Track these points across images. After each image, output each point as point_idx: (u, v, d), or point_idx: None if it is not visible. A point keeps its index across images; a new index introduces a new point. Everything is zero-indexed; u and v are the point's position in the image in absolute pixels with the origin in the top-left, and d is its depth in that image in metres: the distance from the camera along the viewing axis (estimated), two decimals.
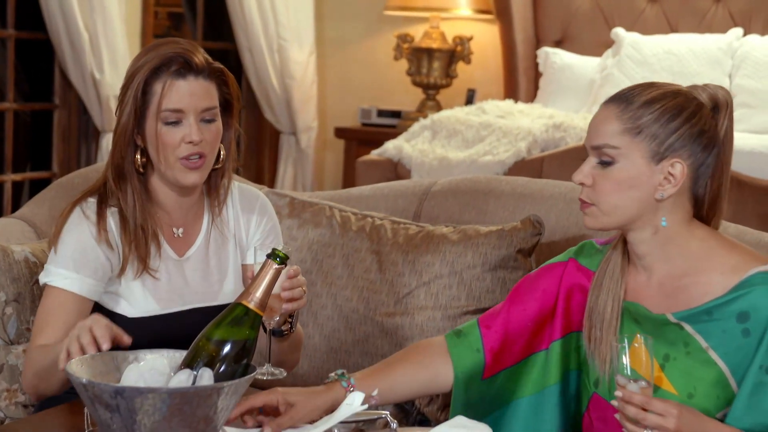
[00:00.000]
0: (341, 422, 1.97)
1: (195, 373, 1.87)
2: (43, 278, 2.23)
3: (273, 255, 1.93)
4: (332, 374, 2.06)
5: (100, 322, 1.96)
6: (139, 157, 2.25)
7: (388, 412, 2.02)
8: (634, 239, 2.04)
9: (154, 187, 2.29)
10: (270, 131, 6.18)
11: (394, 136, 5.15)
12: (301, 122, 5.97)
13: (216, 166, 2.30)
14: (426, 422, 2.52)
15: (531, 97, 5.64)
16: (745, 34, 5.21)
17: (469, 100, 5.76)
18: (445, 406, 2.50)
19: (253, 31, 5.74)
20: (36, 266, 2.49)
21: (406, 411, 2.57)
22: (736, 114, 4.84)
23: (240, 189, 2.42)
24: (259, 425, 1.99)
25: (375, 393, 2.03)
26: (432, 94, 5.85)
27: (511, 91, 5.65)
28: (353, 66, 6.23)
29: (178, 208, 2.31)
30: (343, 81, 6.25)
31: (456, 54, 5.83)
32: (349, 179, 5.70)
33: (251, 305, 1.92)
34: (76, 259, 2.20)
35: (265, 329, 2.12)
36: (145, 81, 2.21)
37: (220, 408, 1.80)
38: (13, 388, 2.44)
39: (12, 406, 2.43)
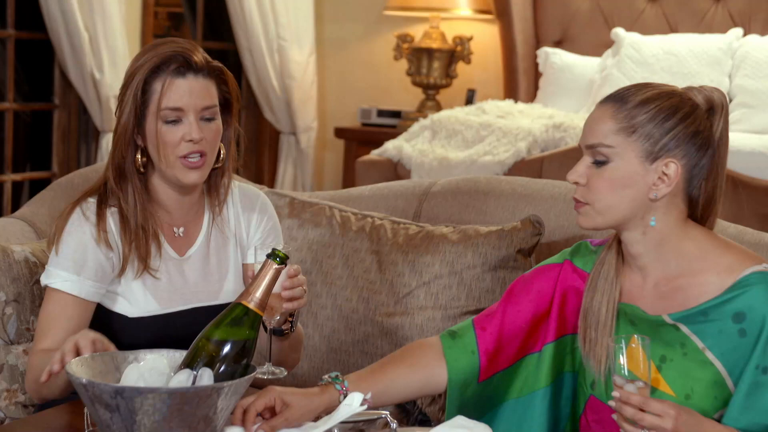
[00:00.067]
0: (341, 422, 1.97)
1: (195, 373, 1.87)
2: (44, 280, 2.23)
3: (273, 255, 1.93)
4: (325, 377, 2.06)
5: (87, 336, 1.97)
6: (139, 156, 2.25)
7: (388, 412, 2.02)
8: (628, 239, 2.04)
9: (154, 186, 2.29)
10: (270, 131, 6.18)
11: (393, 136, 5.15)
12: (301, 122, 5.97)
13: (216, 165, 2.30)
14: (427, 422, 2.52)
15: (531, 97, 5.64)
16: (744, 35, 5.21)
17: (469, 100, 5.76)
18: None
19: (253, 31, 5.74)
20: (36, 266, 2.49)
21: (407, 411, 2.57)
22: (736, 114, 4.90)
23: (240, 188, 2.42)
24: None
25: (368, 396, 2.03)
26: (432, 94, 5.85)
27: (511, 91, 5.65)
28: (353, 66, 6.23)
29: (179, 208, 2.31)
30: (342, 81, 6.25)
31: (456, 54, 5.83)
32: (348, 179, 5.70)
33: (251, 305, 1.92)
34: (77, 261, 2.20)
35: (265, 328, 2.12)
36: (144, 80, 2.21)
37: (220, 408, 1.80)
38: (13, 388, 2.44)
39: (12, 406, 2.43)
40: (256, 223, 2.40)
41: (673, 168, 1.98)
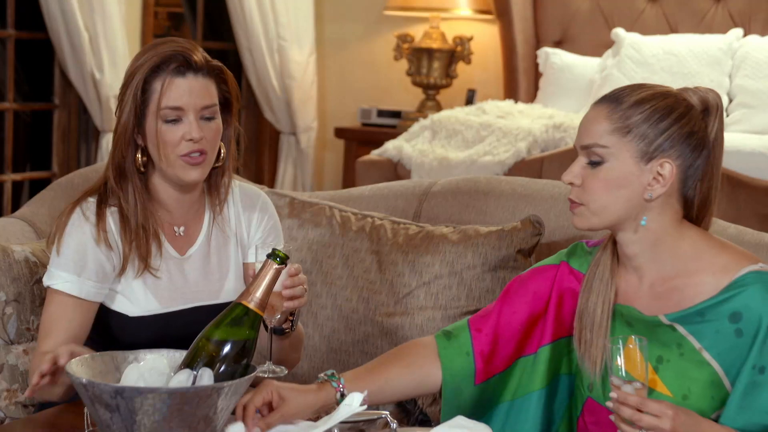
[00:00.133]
0: (341, 422, 1.97)
1: (195, 373, 1.87)
2: (46, 281, 2.24)
3: (273, 255, 1.94)
4: (322, 374, 2.06)
5: (62, 348, 2.00)
6: (139, 156, 2.25)
7: (388, 412, 2.02)
8: (624, 240, 2.04)
9: (155, 185, 2.29)
10: (270, 131, 6.18)
11: (394, 136, 5.15)
12: (301, 122, 5.97)
13: (216, 165, 2.30)
14: (427, 422, 2.52)
15: (531, 98, 5.64)
16: (745, 35, 5.21)
17: (469, 100, 5.76)
18: None
19: (253, 31, 5.74)
20: (36, 266, 2.49)
21: (407, 411, 2.57)
22: (736, 114, 4.90)
23: (241, 188, 2.42)
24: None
25: (364, 394, 2.03)
26: (432, 95, 5.85)
27: (511, 92, 5.65)
28: (353, 66, 6.23)
29: (179, 207, 2.31)
30: (343, 81, 6.25)
31: (456, 54, 5.83)
32: (348, 179, 5.70)
33: (251, 305, 1.92)
34: (77, 262, 2.20)
35: (266, 327, 2.12)
36: (144, 80, 2.21)
37: (220, 408, 1.80)
38: (13, 387, 2.44)
39: (12, 406, 2.43)
40: (257, 222, 2.40)
41: (668, 168, 1.98)
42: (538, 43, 5.76)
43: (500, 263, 2.60)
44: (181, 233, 2.32)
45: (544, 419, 2.14)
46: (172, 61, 2.21)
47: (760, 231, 2.51)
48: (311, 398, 2.02)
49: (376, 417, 2.01)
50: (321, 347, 2.71)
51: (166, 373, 1.90)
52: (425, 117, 5.14)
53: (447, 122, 4.84)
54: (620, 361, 1.86)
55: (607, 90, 2.12)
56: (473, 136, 4.73)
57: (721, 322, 1.96)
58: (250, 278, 2.07)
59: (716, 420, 1.95)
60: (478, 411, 2.15)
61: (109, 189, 2.26)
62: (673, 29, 5.48)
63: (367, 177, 4.76)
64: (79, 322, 2.21)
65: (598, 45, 5.54)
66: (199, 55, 2.24)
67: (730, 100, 5.04)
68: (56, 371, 1.97)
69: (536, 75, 5.70)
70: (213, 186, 2.35)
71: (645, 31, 5.39)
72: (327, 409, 2.04)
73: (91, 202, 2.25)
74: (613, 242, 2.08)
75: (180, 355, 1.94)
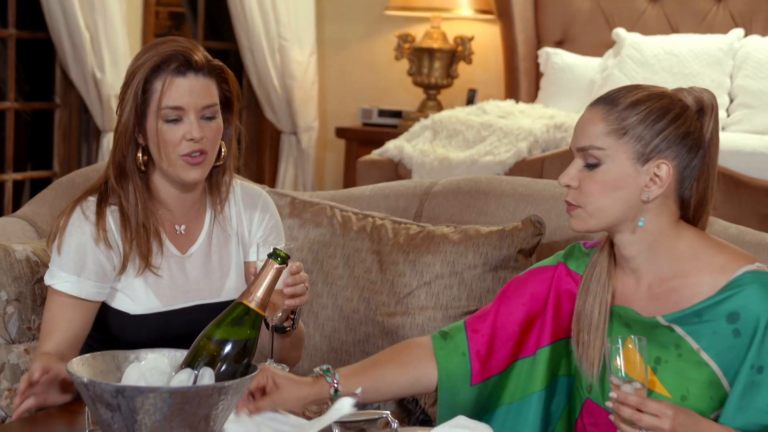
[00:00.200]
0: (342, 422, 1.97)
1: (196, 372, 1.87)
2: (47, 279, 2.24)
3: (274, 255, 1.94)
4: (317, 369, 2.07)
5: (35, 365, 2.04)
6: (140, 155, 2.25)
7: (389, 412, 2.02)
8: (621, 242, 2.04)
9: (155, 184, 2.29)
10: (271, 131, 6.18)
11: (394, 136, 5.15)
12: (302, 122, 5.98)
13: (217, 164, 2.31)
14: (428, 422, 2.52)
15: (532, 98, 5.64)
16: (746, 35, 5.21)
17: (470, 100, 5.76)
18: None
19: (254, 31, 5.74)
20: (37, 265, 2.49)
21: (408, 411, 2.57)
22: (737, 115, 4.90)
23: (242, 186, 2.42)
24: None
25: (359, 391, 2.04)
26: (433, 94, 5.85)
27: (512, 92, 5.65)
28: (354, 66, 6.23)
29: (180, 206, 2.32)
30: (343, 81, 6.25)
31: (457, 54, 5.83)
32: (349, 179, 5.70)
33: (252, 305, 1.92)
34: (77, 262, 2.21)
35: (267, 325, 2.13)
36: (145, 79, 2.21)
37: (221, 408, 1.80)
38: (14, 387, 2.44)
39: (13, 405, 2.43)
40: (258, 221, 2.40)
41: (664, 169, 1.98)
42: (539, 43, 5.76)
43: (501, 263, 2.60)
44: (182, 232, 2.32)
45: (543, 421, 2.14)
46: (173, 60, 2.21)
47: (761, 231, 2.51)
48: (304, 390, 2.03)
49: (377, 417, 2.01)
50: (322, 347, 2.72)
51: (167, 373, 1.90)
52: (426, 117, 5.14)
53: (448, 122, 4.84)
54: (619, 361, 1.86)
55: (607, 90, 2.12)
56: (474, 136, 4.73)
57: (718, 322, 1.96)
58: (251, 277, 2.07)
59: (715, 420, 1.95)
60: (477, 413, 2.15)
61: (110, 188, 2.26)
62: (674, 29, 5.48)
63: (368, 177, 4.76)
64: (80, 322, 2.21)
65: (599, 45, 5.54)
66: (200, 54, 2.24)
67: (731, 101, 5.04)
68: (36, 385, 2.01)
69: (537, 75, 5.70)
70: (214, 185, 2.35)
71: (646, 31, 5.39)
72: (318, 403, 2.05)
73: (92, 201, 2.25)
74: (610, 244, 2.08)
75: (181, 354, 1.94)
